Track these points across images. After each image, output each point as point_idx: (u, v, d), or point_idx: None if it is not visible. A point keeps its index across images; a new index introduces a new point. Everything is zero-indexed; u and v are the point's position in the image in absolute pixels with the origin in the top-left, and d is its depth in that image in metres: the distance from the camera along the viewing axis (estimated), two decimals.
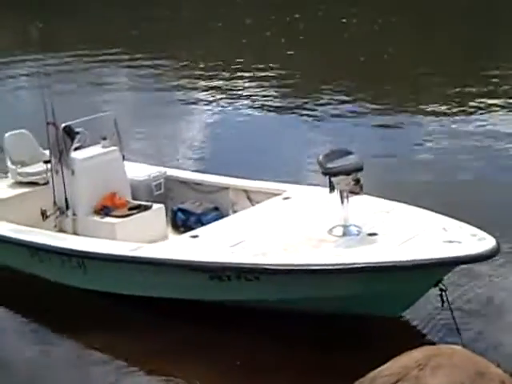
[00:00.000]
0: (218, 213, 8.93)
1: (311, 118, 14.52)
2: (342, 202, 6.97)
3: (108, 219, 8.50)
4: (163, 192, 9.36)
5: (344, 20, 24.94)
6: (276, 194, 8.56)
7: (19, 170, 9.71)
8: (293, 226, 7.53)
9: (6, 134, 9.91)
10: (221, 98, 16.54)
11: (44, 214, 8.75)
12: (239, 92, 16.91)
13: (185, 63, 20.01)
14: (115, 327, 7.64)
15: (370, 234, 6.99)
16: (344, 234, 7.02)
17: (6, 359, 7.47)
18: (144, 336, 7.43)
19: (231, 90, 17.21)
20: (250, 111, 15.39)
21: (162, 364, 6.99)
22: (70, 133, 8.71)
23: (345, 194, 6.92)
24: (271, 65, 19.04)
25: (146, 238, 8.08)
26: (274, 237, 7.29)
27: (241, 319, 7.28)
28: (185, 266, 7.19)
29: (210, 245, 7.44)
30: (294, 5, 28.07)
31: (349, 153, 7.03)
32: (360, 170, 6.84)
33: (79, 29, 25.74)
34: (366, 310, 6.82)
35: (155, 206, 8.75)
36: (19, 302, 8.46)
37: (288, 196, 8.42)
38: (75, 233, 8.61)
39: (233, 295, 7.23)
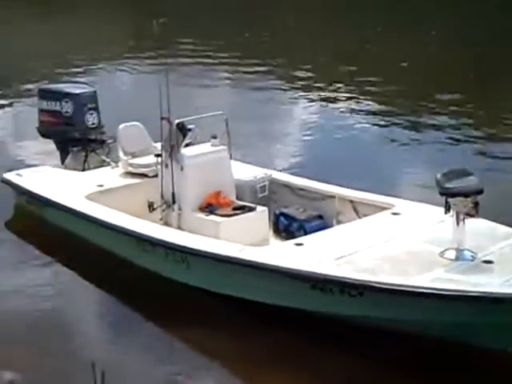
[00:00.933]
0: (322, 221, 8.89)
1: (420, 134, 14.24)
2: (458, 224, 6.73)
3: (212, 217, 8.57)
4: (267, 195, 9.39)
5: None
6: (384, 208, 8.43)
7: (130, 161, 9.96)
8: (402, 244, 7.36)
9: (121, 126, 10.20)
10: (327, 106, 16.42)
11: (151, 206, 8.90)
12: (346, 102, 16.72)
13: (293, 70, 19.87)
14: (210, 324, 7.66)
15: (486, 262, 6.74)
16: (457, 259, 6.80)
17: (94, 342, 7.62)
18: (238, 337, 7.42)
19: (338, 98, 17.06)
20: (358, 121, 15.18)
21: (252, 367, 6.97)
22: (182, 129, 8.83)
23: (461, 217, 6.69)
24: (383, 76, 18.73)
25: (248, 240, 8.11)
26: (381, 254, 7.15)
27: (344, 332, 7.19)
28: (289, 274, 7.15)
29: (314, 255, 7.39)
30: (422, 16, 27.50)
31: (469, 173, 6.79)
32: (480, 192, 6.61)
33: (197, 27, 25.95)
34: (474, 340, 6.59)
35: (259, 208, 8.78)
36: (121, 287, 8.58)
37: (397, 211, 8.27)
38: (179, 227, 8.72)
39: (334, 308, 7.15)
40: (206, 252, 7.81)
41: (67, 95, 10.65)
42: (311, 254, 7.41)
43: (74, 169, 10.56)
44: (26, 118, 14.01)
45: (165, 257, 8.28)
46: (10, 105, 16.63)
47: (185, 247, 8.01)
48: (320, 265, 7.09)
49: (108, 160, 10.61)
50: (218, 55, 21.29)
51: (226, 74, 19.54)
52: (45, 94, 10.88)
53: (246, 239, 8.09)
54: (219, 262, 7.72)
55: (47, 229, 9.78)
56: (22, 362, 7.10)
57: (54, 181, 10.11)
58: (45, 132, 11.04)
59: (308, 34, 25.51)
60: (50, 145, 11.35)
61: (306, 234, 8.50)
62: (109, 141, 10.72)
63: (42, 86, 11.63)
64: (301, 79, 18.93)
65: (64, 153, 10.95)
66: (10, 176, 10.44)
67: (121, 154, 10.06)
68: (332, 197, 9.05)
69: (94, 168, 10.57)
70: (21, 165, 11.86)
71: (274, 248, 8.09)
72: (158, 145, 9.61)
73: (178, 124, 8.75)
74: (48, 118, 10.82)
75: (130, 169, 9.93)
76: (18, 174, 10.47)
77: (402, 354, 6.83)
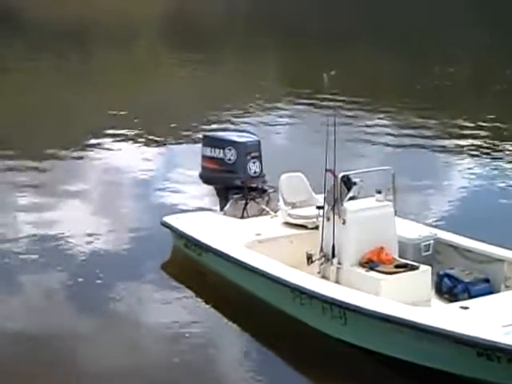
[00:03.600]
0: (489, 285, 8.50)
1: None
2: None
3: (373, 274, 8.35)
4: (431, 254, 9.08)
5: None
6: None
7: (290, 212, 9.95)
8: None
9: (283, 176, 10.23)
10: (494, 161, 15.77)
11: (310, 259, 8.77)
12: None
13: (459, 122, 19.37)
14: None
15: None
16: None
17: None
18: None
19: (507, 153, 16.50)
20: None
21: None
22: (347, 182, 8.74)
23: None
24: None
25: (409, 299, 7.86)
26: None
27: None
28: (454, 338, 6.86)
29: (481, 320, 7.10)
30: None
31: None
32: None
33: (369, 77, 26.04)
34: None
35: (422, 267, 8.48)
36: (269, 336, 8.56)
37: None
38: (337, 281, 8.54)
39: (499, 378, 6.80)
40: (365, 309, 7.62)
41: (231, 143, 10.78)
42: (478, 319, 7.14)
43: (233, 216, 10.64)
44: (188, 163, 14.45)
45: (321, 311, 8.13)
46: (173, 150, 17.16)
47: (344, 303, 7.85)
48: (487, 331, 6.77)
49: (267, 209, 10.63)
50: (385, 109, 21.03)
51: (394, 125, 19.28)
52: (209, 141, 11.06)
53: (407, 298, 7.84)
54: (379, 320, 7.51)
55: (203, 273, 9.91)
56: None
57: (214, 227, 10.24)
58: (206, 178, 11.21)
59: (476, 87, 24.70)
60: (211, 191, 11.54)
61: (470, 297, 8.19)
62: (269, 190, 10.76)
63: (206, 133, 11.86)
64: (466, 128, 18.43)
65: (224, 199, 11.05)
66: (170, 219, 10.65)
67: (281, 203, 10.08)
68: (500, 260, 8.66)
69: (253, 216, 10.62)
70: (180, 209, 12.19)
71: (438, 310, 7.81)
72: (319, 196, 9.57)
73: (343, 177, 8.65)
74: (211, 165, 10.98)
75: (290, 219, 9.91)
76: (178, 218, 10.69)
77: None
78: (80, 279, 9.93)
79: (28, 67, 28.24)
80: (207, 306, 9.27)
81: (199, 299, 9.44)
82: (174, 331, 8.66)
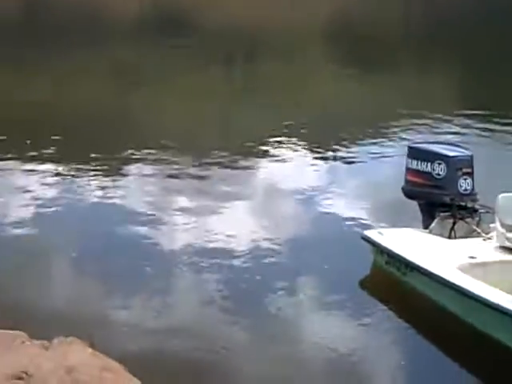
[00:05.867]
0: None
1: None
2: None
3: None
4: None
5: None
6: None
7: (508, 235, 9.25)
8: None
9: (501, 195, 9.52)
10: None
11: None
12: None
13: None
14: None
15: None
16: None
17: None
18: None
19: None
20: None
21: None
22: None
23: None
24: None
25: None
26: None
27: None
28: None
29: None
30: None
31: None
32: None
33: None
34: None
35: None
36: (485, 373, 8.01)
37: None
38: None
39: None
40: None
41: (441, 157, 10.17)
42: None
43: (440, 235, 10.03)
44: (390, 175, 13.87)
45: None
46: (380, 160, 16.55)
47: None
48: None
49: (479, 230, 9.96)
50: None
51: None
52: (416, 153, 10.50)
53: None
54: None
55: (406, 293, 9.45)
56: None
57: (420, 245, 9.73)
58: (410, 192, 10.66)
59: None
60: (413, 206, 11.00)
61: None
62: (481, 210, 10.09)
63: (412, 144, 11.27)
64: None
65: (428, 216, 10.44)
66: (372, 234, 10.24)
67: (498, 225, 9.38)
68: None
69: (461, 237, 9.98)
70: (381, 223, 11.66)
71: None
72: None
73: None
74: (416, 179, 10.43)
75: (508, 243, 9.23)
76: (380, 233, 10.26)
77: None
78: (281, 292, 9.73)
79: (195, 72, 28.63)
80: (408, 328, 8.89)
81: (401, 320, 9.03)
82: (365, 356, 8.29)
